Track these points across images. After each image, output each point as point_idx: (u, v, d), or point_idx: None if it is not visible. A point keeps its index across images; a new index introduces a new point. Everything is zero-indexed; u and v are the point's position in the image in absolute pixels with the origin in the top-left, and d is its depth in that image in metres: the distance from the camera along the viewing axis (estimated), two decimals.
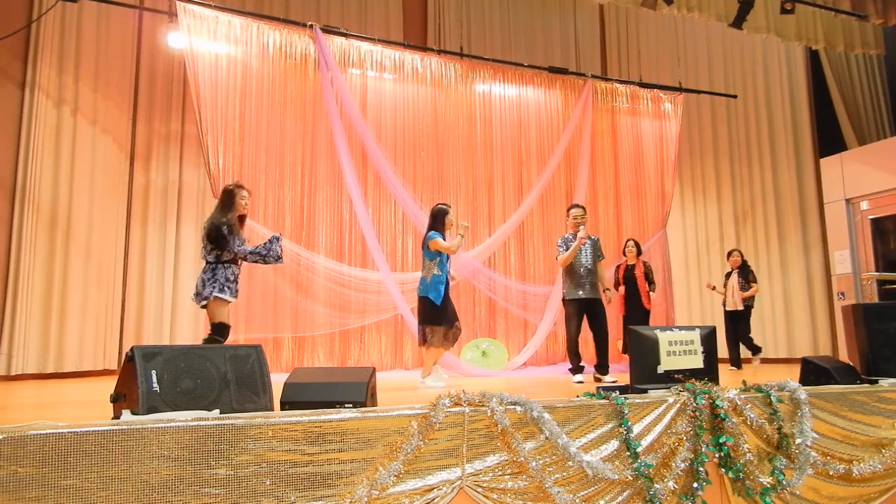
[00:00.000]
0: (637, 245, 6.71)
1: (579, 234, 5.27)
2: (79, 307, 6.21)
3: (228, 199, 4.36)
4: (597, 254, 5.45)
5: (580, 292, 5.28)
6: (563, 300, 5.44)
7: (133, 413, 2.17)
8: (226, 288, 4.17)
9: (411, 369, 6.64)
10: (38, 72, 6.15)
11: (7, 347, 5.76)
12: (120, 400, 2.36)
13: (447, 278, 4.89)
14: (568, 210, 5.64)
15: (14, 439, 1.85)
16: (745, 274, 6.92)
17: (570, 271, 5.34)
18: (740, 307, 6.79)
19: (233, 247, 4.22)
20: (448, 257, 4.95)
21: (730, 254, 7.19)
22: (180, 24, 5.78)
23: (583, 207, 5.55)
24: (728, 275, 7.05)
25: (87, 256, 6.33)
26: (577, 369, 5.21)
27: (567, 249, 5.32)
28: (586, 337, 5.56)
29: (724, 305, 6.96)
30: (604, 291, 5.48)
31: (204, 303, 4.16)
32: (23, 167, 6.05)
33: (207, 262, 4.24)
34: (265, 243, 4.39)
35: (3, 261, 5.93)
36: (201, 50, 5.90)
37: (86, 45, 6.49)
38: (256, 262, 4.41)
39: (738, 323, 6.82)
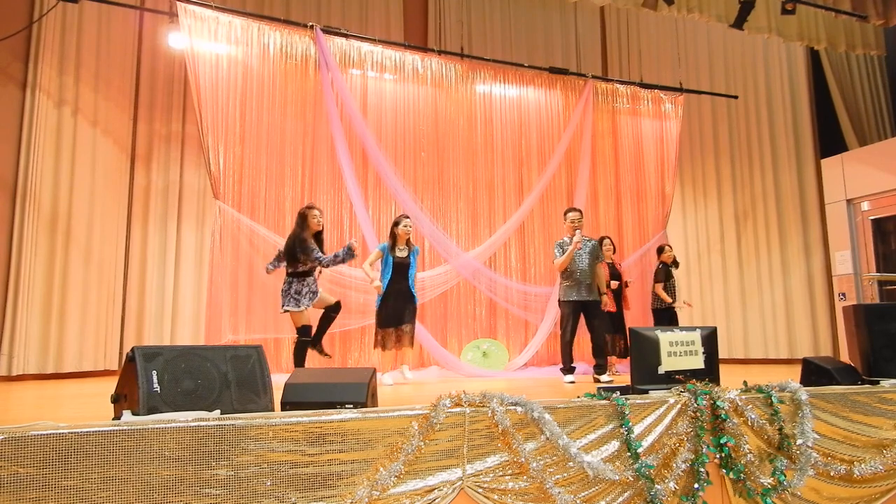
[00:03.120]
0: (612, 243, 6.51)
1: (575, 238, 5.31)
2: (79, 307, 6.21)
3: (301, 219, 4.97)
4: (595, 257, 5.48)
5: (575, 295, 5.32)
6: (559, 301, 5.48)
7: (134, 413, 2.17)
8: (292, 300, 4.85)
9: (411, 370, 6.63)
10: (39, 72, 6.15)
11: (8, 348, 5.77)
12: (121, 400, 2.36)
13: (389, 284, 5.27)
14: (565, 213, 5.63)
15: (15, 440, 1.85)
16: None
17: (567, 274, 5.38)
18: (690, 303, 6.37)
19: (308, 260, 4.85)
20: (394, 264, 5.31)
21: (662, 249, 6.60)
22: (181, 24, 5.78)
23: (579, 211, 5.58)
24: (668, 271, 6.48)
25: (88, 257, 6.33)
26: (568, 370, 5.24)
27: (563, 253, 5.35)
28: (583, 337, 5.59)
29: (670, 307, 6.38)
30: (601, 295, 5.51)
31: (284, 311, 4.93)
32: (23, 168, 6.05)
33: (287, 274, 4.94)
34: (342, 249, 4.90)
35: (3, 261, 5.94)
36: (202, 50, 5.91)
37: (86, 46, 6.49)
38: (338, 264, 4.99)
39: (674, 323, 6.32)
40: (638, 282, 7.27)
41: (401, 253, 5.35)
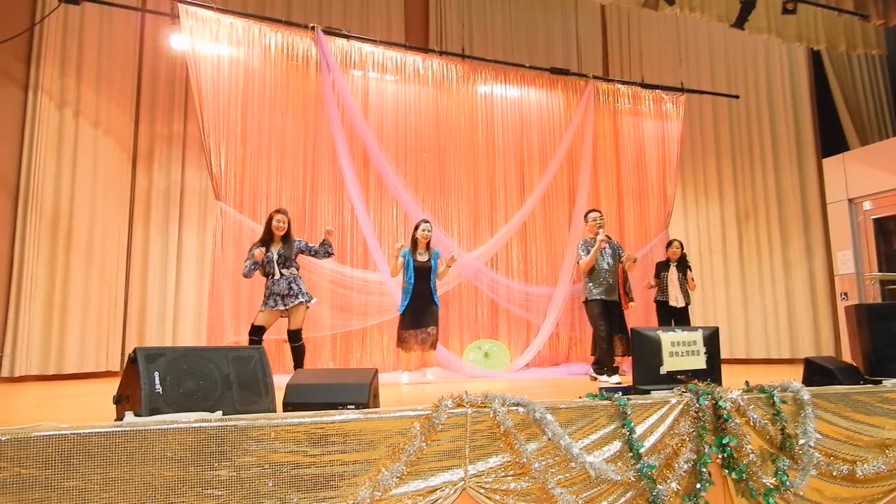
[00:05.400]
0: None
1: (598, 237, 5.39)
2: (81, 309, 6.22)
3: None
4: (617, 257, 5.60)
5: (602, 293, 5.41)
6: (586, 301, 5.56)
7: (136, 414, 2.17)
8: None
9: (413, 370, 6.62)
10: (41, 74, 6.17)
11: (10, 349, 5.78)
12: (123, 401, 2.37)
13: (413, 287, 5.42)
14: (586, 215, 5.80)
15: (17, 441, 1.85)
16: (684, 269, 6.42)
17: (592, 273, 5.48)
18: (681, 303, 6.29)
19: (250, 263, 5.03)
20: (415, 268, 5.46)
21: (670, 244, 6.57)
22: (182, 26, 5.79)
23: (600, 211, 5.74)
24: (665, 266, 6.46)
25: (90, 258, 6.34)
26: (612, 370, 5.25)
27: (588, 253, 5.43)
28: (585, 337, 5.63)
29: (666, 301, 6.35)
30: (625, 294, 5.64)
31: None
32: (25, 169, 6.07)
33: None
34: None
35: (5, 262, 5.95)
36: (203, 52, 5.91)
37: (88, 47, 6.50)
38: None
39: (680, 321, 6.29)
40: (638, 283, 7.25)
41: (421, 257, 5.53)
